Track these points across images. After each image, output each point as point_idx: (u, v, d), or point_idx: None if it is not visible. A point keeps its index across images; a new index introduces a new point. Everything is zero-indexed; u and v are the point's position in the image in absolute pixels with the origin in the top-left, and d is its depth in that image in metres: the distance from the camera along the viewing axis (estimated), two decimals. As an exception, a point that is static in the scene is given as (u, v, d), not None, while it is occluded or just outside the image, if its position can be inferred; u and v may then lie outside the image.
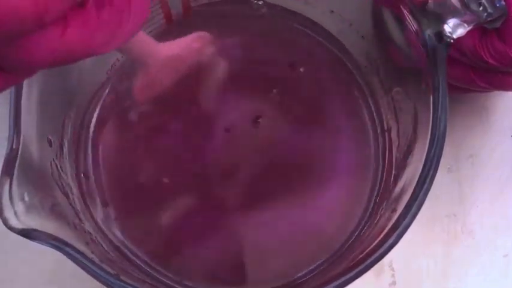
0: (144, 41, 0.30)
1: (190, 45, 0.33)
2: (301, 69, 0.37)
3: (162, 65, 0.31)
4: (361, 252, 0.26)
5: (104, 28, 0.19)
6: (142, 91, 0.32)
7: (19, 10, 0.15)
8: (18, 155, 0.25)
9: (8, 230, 0.24)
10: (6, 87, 0.19)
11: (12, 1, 0.15)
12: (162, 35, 0.35)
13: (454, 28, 0.27)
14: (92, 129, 0.35)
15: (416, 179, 0.26)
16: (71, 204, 0.30)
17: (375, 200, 0.34)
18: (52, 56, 0.18)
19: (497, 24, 0.29)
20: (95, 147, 0.35)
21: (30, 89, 0.27)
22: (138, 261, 0.33)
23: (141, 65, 0.31)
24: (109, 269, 0.25)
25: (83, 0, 0.18)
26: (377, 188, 0.34)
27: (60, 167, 0.30)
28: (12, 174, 0.25)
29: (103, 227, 0.33)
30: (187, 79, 0.33)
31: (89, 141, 0.35)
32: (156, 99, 0.34)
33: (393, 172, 0.32)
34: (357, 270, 0.25)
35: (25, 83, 0.27)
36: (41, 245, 0.24)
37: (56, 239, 0.24)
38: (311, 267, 0.33)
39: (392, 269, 0.37)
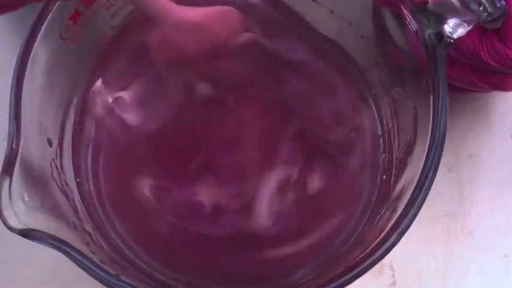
0: None
1: (215, 16, 0.31)
2: (301, 70, 0.37)
3: (179, 29, 0.30)
4: (361, 252, 0.26)
5: None
6: (159, 46, 0.31)
7: None
8: (18, 155, 0.25)
9: (8, 230, 0.24)
10: None
11: None
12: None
13: (454, 28, 0.27)
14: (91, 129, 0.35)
15: (416, 179, 0.26)
16: (70, 204, 0.30)
17: (375, 200, 0.34)
18: None
19: (497, 25, 0.29)
20: (94, 147, 0.35)
21: (31, 89, 0.27)
22: (138, 261, 0.33)
23: (155, 23, 0.29)
24: (109, 269, 0.25)
25: None
26: (377, 188, 0.34)
27: (60, 167, 0.30)
28: (12, 174, 0.25)
29: (103, 226, 0.33)
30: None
31: (89, 141, 0.35)
32: (170, 64, 0.32)
33: (393, 172, 0.32)
34: (357, 270, 0.25)
35: (25, 83, 0.27)
36: (41, 245, 0.24)
37: (55, 239, 0.24)
38: (311, 268, 0.33)
39: (393, 269, 0.37)
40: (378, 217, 0.31)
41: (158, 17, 0.29)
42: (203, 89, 0.34)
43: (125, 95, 0.35)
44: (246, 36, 0.33)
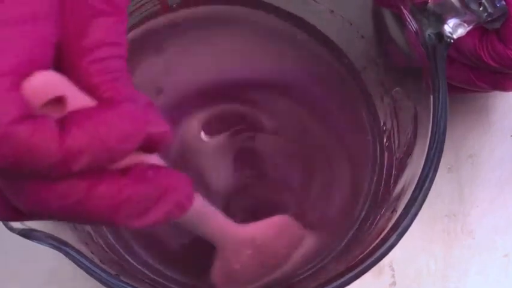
0: (215, 220, 0.27)
1: (271, 230, 0.30)
2: (300, 70, 0.37)
3: (238, 251, 0.29)
4: (361, 253, 0.26)
5: (136, 202, 0.17)
6: (222, 279, 0.30)
7: (38, 150, 0.14)
8: (18, 155, 0.25)
9: (8, 230, 0.24)
10: (16, 220, 0.19)
11: (31, 138, 0.14)
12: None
13: (454, 28, 0.27)
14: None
15: (416, 179, 0.26)
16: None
17: (375, 200, 0.34)
18: (67, 211, 0.16)
19: (497, 25, 0.29)
20: None
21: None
22: (137, 262, 0.33)
23: (215, 246, 0.29)
24: (109, 269, 0.25)
25: (126, 166, 0.17)
26: (377, 188, 0.34)
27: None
28: (12, 174, 0.25)
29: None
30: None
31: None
32: None
33: (393, 172, 0.32)
34: (357, 270, 0.25)
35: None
36: (41, 245, 0.24)
37: (55, 239, 0.24)
38: (310, 268, 0.33)
39: (393, 269, 0.37)
40: (378, 217, 0.31)
41: (217, 241, 0.28)
42: None
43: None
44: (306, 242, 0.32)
